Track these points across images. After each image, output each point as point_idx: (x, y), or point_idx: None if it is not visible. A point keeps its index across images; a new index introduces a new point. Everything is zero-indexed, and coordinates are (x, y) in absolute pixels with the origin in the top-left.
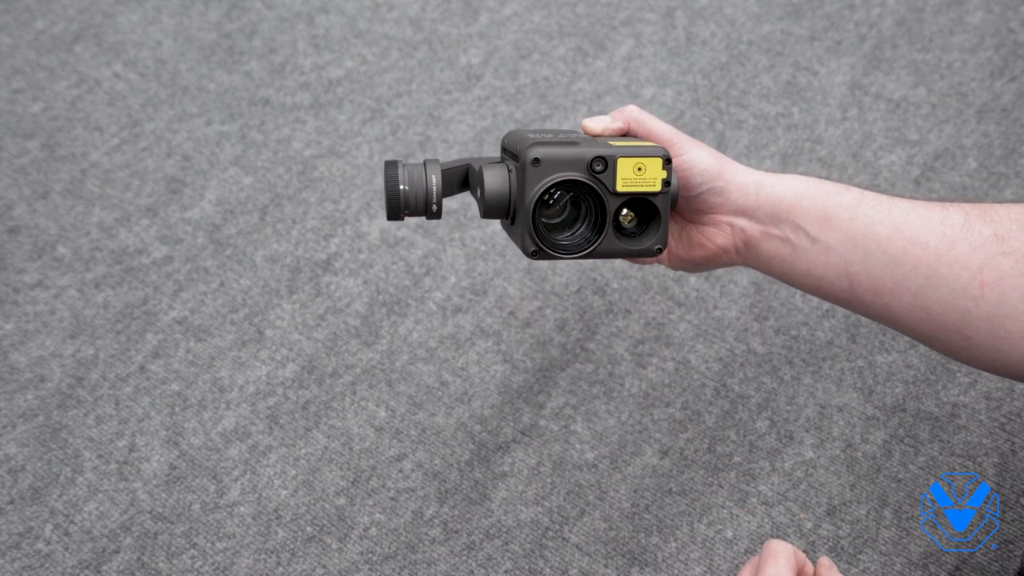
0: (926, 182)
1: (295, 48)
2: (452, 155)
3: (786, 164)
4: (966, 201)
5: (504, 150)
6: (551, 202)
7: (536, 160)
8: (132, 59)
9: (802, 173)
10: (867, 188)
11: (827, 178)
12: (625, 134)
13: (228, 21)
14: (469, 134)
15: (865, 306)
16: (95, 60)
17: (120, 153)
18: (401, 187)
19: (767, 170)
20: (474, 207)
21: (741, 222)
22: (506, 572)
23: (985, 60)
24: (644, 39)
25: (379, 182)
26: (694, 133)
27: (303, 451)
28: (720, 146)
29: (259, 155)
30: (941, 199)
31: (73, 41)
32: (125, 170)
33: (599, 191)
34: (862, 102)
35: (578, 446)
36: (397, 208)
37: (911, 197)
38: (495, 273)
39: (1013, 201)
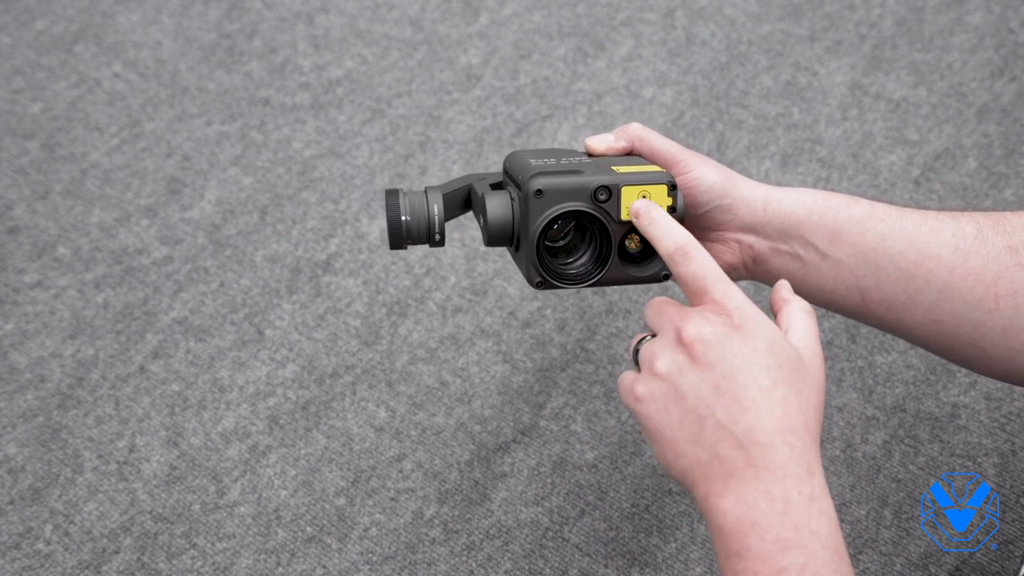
0: (926, 182)
1: (295, 48)
2: (452, 155)
3: (786, 164)
4: (974, 209)
5: (506, 173)
6: (555, 226)
7: (539, 192)
8: (132, 59)
9: (802, 173)
10: (867, 189)
11: (827, 179)
12: (629, 152)
13: (228, 21)
14: (469, 134)
15: (878, 320)
16: (95, 60)
17: (120, 153)
18: (403, 218)
19: (767, 171)
20: None
21: (749, 239)
22: (506, 572)
23: (985, 60)
24: (644, 39)
25: (379, 183)
26: (694, 133)
27: (303, 451)
28: (720, 146)
29: (259, 155)
30: (941, 199)
31: (73, 41)
32: (125, 170)
33: (604, 221)
34: (862, 102)
35: (578, 446)
36: (400, 239)
37: (920, 207)
38: (495, 273)
39: (1020, 207)
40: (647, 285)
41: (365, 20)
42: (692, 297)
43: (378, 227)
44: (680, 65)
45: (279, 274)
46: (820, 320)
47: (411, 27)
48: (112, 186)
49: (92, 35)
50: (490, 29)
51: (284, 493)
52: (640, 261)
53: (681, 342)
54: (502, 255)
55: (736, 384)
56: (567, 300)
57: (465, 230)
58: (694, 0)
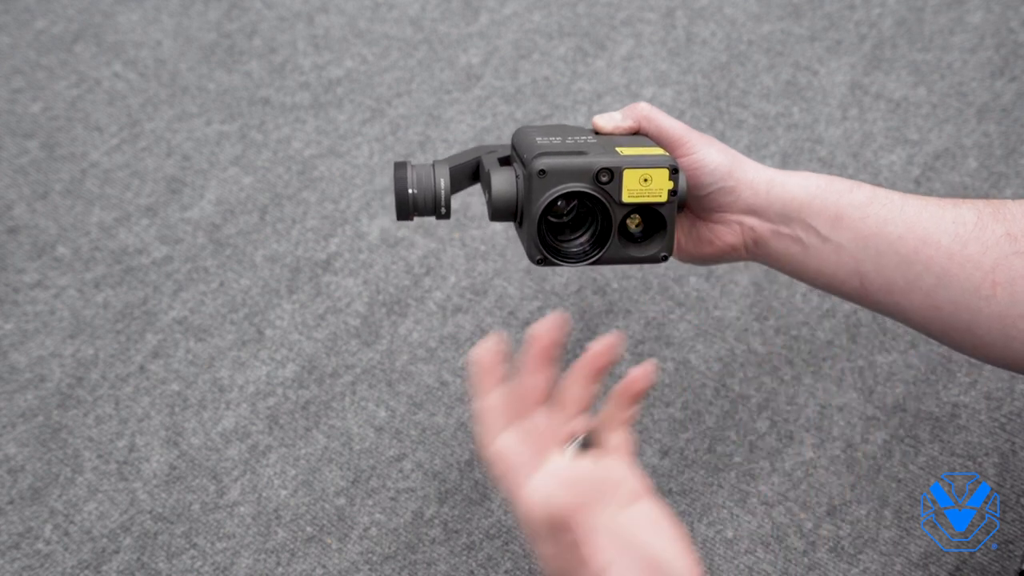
0: (926, 182)
1: (295, 48)
2: (453, 154)
3: (786, 164)
4: (977, 198)
5: (513, 149)
6: (558, 203)
7: (542, 171)
8: (132, 59)
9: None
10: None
11: None
12: (636, 132)
13: (228, 21)
14: (469, 134)
15: (876, 304)
16: (95, 60)
17: (120, 153)
18: (410, 191)
19: None
20: (474, 207)
21: (751, 221)
22: (506, 572)
23: (985, 60)
24: (644, 39)
25: (379, 182)
26: None
27: (303, 451)
28: None
29: (259, 155)
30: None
31: (73, 41)
32: (125, 170)
33: (605, 202)
34: (862, 102)
35: None
36: (407, 210)
37: (922, 194)
38: (495, 273)
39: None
40: (647, 283)
41: (365, 20)
42: None
43: (378, 227)
44: (680, 65)
45: (279, 274)
46: (820, 319)
47: (411, 27)
48: (112, 186)
49: (92, 35)
50: (490, 29)
51: (284, 493)
52: (641, 241)
53: None
54: (502, 255)
55: None
56: (567, 300)
57: (465, 230)
58: (694, 0)
